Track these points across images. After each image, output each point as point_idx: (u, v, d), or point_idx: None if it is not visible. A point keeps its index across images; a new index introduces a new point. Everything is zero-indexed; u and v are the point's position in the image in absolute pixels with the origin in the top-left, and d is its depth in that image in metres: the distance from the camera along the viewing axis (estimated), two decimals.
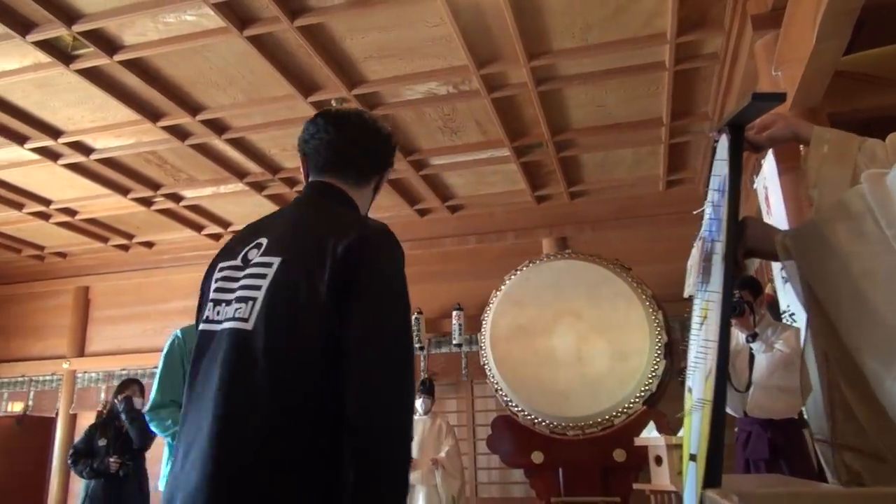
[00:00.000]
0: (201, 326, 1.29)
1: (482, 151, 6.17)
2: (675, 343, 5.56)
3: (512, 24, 4.23)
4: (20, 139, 5.70)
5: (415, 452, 5.72)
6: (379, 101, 5.27)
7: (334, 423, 1.12)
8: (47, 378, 8.73)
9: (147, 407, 2.44)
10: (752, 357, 3.48)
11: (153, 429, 2.60)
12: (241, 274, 1.27)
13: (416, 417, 5.99)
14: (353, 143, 1.55)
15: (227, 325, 1.23)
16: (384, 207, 7.49)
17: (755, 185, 3.97)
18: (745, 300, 3.32)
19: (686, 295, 1.40)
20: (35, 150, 5.84)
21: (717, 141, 1.26)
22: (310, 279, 1.19)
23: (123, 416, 5.11)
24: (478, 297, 6.70)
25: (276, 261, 1.24)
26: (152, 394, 2.45)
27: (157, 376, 2.47)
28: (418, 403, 5.97)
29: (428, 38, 4.48)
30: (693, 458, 1.19)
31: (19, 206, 7.15)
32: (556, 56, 4.66)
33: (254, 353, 1.16)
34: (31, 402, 8.67)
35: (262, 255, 1.26)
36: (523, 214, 7.55)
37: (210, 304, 1.30)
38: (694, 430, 1.23)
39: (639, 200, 7.23)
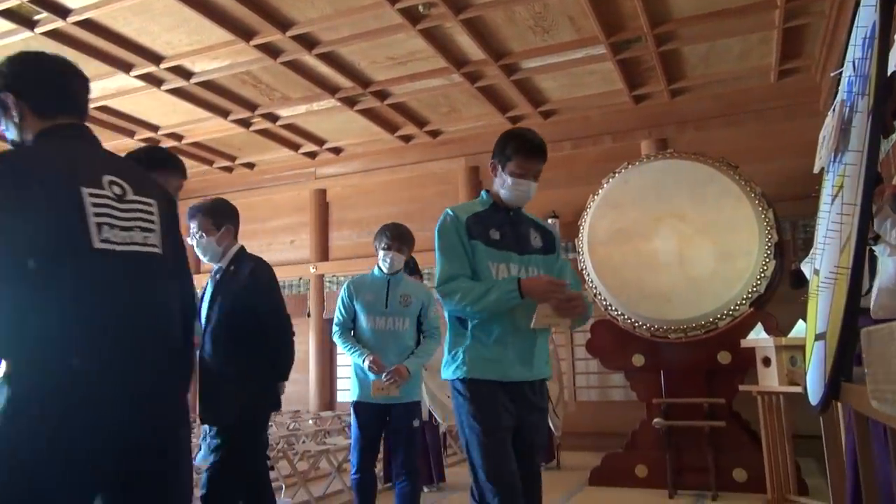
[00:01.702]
0: (100, 245, 1.47)
1: (576, 51, 5.89)
2: (785, 243, 5.29)
3: None
4: (126, 67, 5.96)
5: None
6: (468, 2, 5.08)
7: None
8: None
9: (437, 284, 2.27)
10: (871, 259, 3.24)
11: (447, 303, 2.30)
12: (124, 206, 1.54)
13: None
14: (84, 84, 1.69)
15: (138, 248, 1.55)
16: (475, 117, 7.37)
17: (891, 67, 3.58)
18: None
19: (816, 169, 1.27)
20: (140, 76, 6.10)
21: None
22: (172, 217, 1.70)
23: None
24: (574, 205, 6.57)
25: (154, 202, 1.63)
26: (439, 273, 2.28)
27: (438, 255, 2.29)
28: None
29: None
30: (821, 336, 1.13)
31: (131, 134, 7.56)
32: None
33: (166, 271, 1.63)
34: None
35: (136, 195, 1.58)
36: (620, 116, 7.23)
37: (101, 226, 1.48)
38: (821, 309, 1.16)
39: (747, 94, 6.74)
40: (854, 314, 0.90)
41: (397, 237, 3.46)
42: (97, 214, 1.47)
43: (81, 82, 1.67)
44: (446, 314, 2.37)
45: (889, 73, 1.04)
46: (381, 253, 3.48)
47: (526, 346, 2.28)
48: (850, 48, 1.20)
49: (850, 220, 0.98)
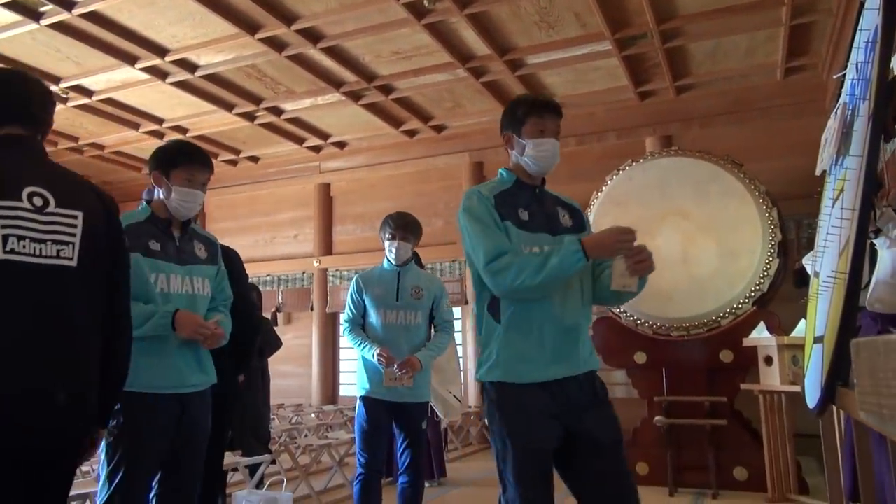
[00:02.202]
0: (3, 256, 1.51)
1: (581, 46, 5.87)
2: (789, 242, 5.27)
3: None
4: (131, 59, 5.96)
5: None
6: None
7: (105, 321, 1.74)
8: None
9: (483, 264, 1.97)
10: (872, 253, 3.26)
11: (499, 282, 1.99)
12: (43, 218, 1.58)
13: None
14: (40, 95, 1.73)
15: (48, 261, 1.59)
16: (479, 112, 7.36)
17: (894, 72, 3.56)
18: None
19: (818, 172, 1.25)
20: (145, 69, 6.10)
21: None
22: (103, 230, 1.69)
23: None
24: (577, 201, 6.52)
25: (80, 214, 1.65)
26: (482, 252, 1.99)
27: (474, 234, 2.01)
28: None
29: None
30: (819, 339, 1.13)
31: (136, 126, 7.57)
32: None
33: (79, 284, 1.65)
34: None
35: (59, 206, 1.62)
36: (626, 113, 7.21)
37: (7, 238, 1.52)
38: (820, 313, 1.15)
39: (753, 92, 6.71)
40: (852, 319, 0.90)
41: (401, 226, 3.32)
42: (4, 227, 1.51)
43: (37, 93, 1.72)
44: (475, 307, 2.15)
45: (891, 78, 1.04)
46: (386, 244, 3.35)
47: (566, 339, 2.02)
48: (853, 50, 1.19)
49: (849, 224, 0.98)
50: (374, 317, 3.29)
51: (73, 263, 1.63)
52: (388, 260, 3.38)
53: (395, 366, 3.16)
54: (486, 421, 2.13)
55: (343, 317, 3.44)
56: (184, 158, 2.34)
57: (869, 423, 0.46)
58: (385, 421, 3.23)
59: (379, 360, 3.16)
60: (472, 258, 2.06)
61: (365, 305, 3.33)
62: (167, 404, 2.19)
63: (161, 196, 2.35)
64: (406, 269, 3.39)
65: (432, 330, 3.48)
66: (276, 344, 4.87)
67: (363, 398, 3.26)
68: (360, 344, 3.28)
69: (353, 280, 3.40)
